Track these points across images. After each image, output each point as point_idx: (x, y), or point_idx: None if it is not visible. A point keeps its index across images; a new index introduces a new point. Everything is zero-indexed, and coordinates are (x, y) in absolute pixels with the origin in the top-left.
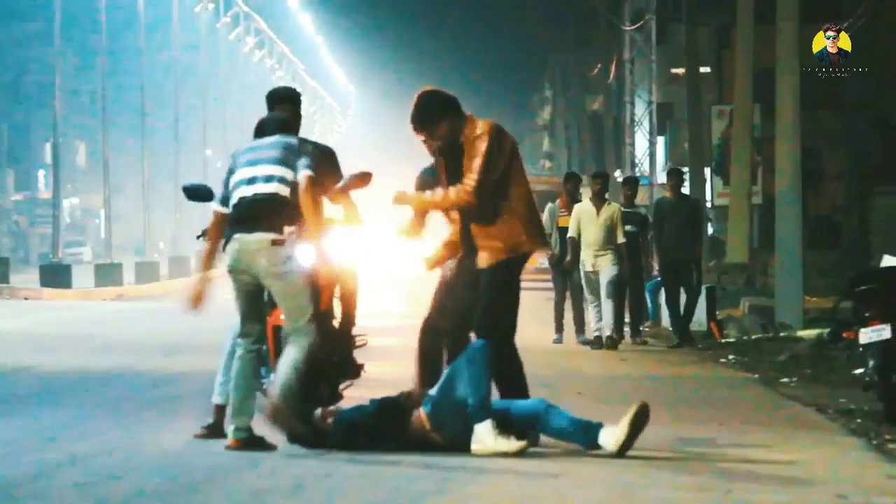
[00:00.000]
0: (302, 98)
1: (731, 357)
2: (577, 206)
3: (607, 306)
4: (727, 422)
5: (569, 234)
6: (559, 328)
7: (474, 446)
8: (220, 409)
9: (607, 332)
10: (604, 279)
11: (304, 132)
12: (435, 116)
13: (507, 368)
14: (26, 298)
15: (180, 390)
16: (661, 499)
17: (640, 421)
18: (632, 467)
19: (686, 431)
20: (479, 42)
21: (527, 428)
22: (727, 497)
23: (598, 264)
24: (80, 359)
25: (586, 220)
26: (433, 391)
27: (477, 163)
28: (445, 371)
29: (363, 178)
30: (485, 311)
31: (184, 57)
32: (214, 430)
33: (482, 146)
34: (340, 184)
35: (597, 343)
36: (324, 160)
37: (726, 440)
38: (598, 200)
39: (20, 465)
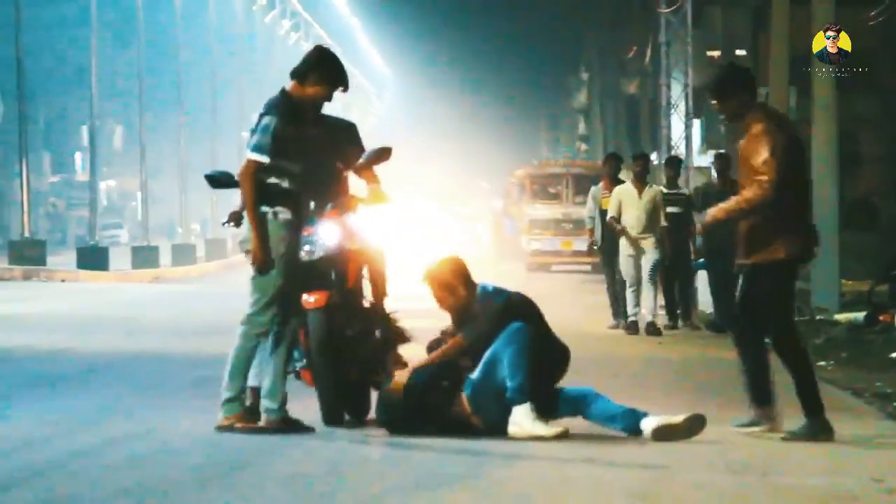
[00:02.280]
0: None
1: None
2: (617, 188)
3: (648, 292)
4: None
5: (609, 216)
6: (616, 313)
7: (511, 429)
8: (255, 392)
9: (649, 317)
10: (646, 264)
11: (340, 115)
12: (729, 90)
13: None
14: (63, 281)
15: (217, 372)
16: (695, 482)
17: (691, 426)
18: (666, 451)
19: (722, 414)
20: (515, 25)
21: (571, 413)
22: (763, 480)
23: (640, 247)
24: (118, 341)
25: (627, 203)
26: (474, 374)
27: (764, 158)
28: (486, 354)
29: (383, 153)
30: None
31: (220, 40)
32: (251, 413)
33: (767, 141)
34: (361, 159)
35: (633, 328)
36: (342, 135)
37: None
38: (640, 182)
39: (59, 447)
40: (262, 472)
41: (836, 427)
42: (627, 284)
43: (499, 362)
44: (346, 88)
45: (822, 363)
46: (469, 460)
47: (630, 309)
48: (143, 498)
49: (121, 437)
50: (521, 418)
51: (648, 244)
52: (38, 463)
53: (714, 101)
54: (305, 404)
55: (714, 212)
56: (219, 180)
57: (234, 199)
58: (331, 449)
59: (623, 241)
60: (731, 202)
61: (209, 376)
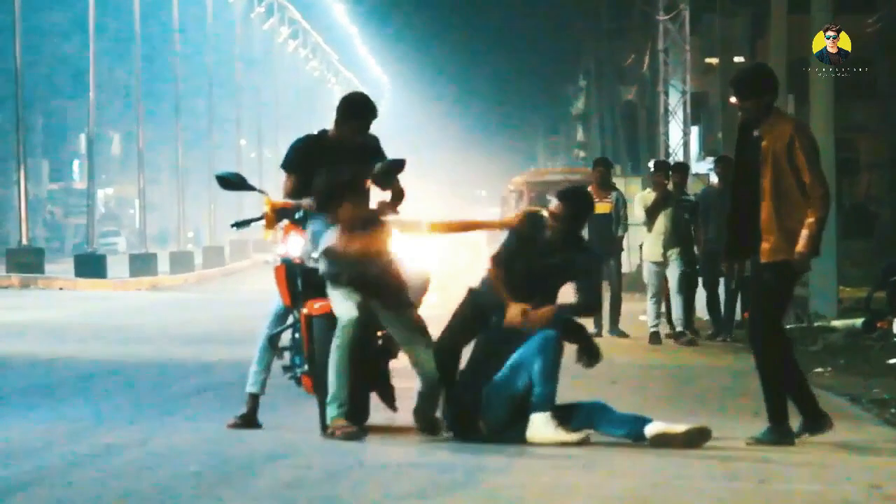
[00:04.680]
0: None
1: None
2: (640, 195)
3: (677, 301)
4: (760, 412)
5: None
6: (597, 320)
7: (530, 433)
8: (253, 399)
9: (679, 326)
10: (673, 273)
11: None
12: (748, 90)
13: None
14: (61, 289)
15: (214, 380)
16: (694, 489)
17: (693, 437)
18: (665, 457)
19: (719, 421)
20: (513, 32)
21: (585, 425)
22: (760, 487)
23: (668, 256)
24: (115, 349)
25: (652, 211)
26: (498, 375)
27: (813, 168)
28: (514, 357)
29: (394, 167)
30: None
31: (218, 48)
32: (248, 420)
33: (808, 152)
34: (374, 171)
35: (655, 338)
36: (370, 151)
37: (759, 430)
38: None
39: (57, 455)
40: (260, 480)
41: (833, 434)
42: (649, 294)
43: (524, 368)
44: (374, 116)
45: (820, 369)
46: (467, 468)
47: (651, 320)
48: None
49: (119, 445)
50: (542, 425)
51: (676, 253)
52: (36, 470)
53: (734, 99)
54: (304, 410)
55: (805, 248)
56: (230, 181)
57: (238, 206)
58: (329, 456)
59: (648, 250)
60: (810, 230)
61: (208, 384)
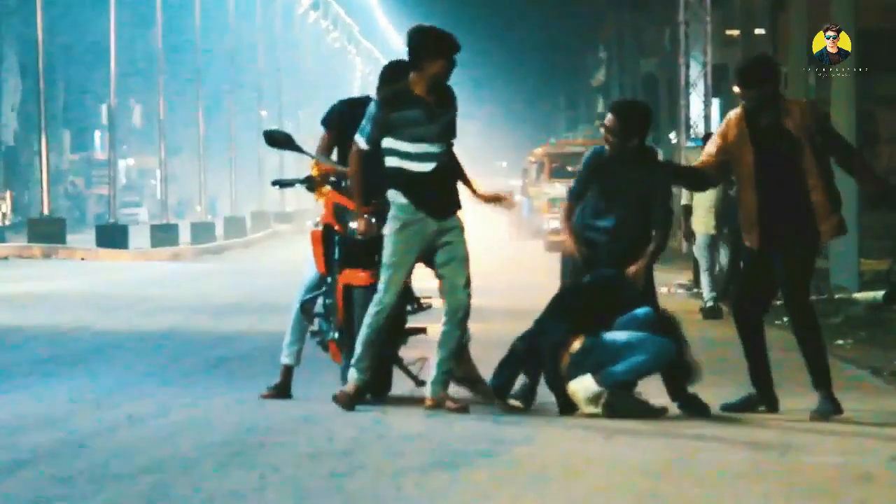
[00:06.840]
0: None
1: (786, 319)
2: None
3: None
4: (782, 384)
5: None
6: None
7: (574, 386)
8: (288, 370)
9: (712, 302)
10: (721, 250)
11: (359, 94)
12: (751, 79)
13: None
14: (83, 259)
15: (236, 351)
16: (715, 460)
17: (691, 406)
18: (686, 428)
19: (741, 393)
20: (534, 3)
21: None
22: (781, 458)
23: (718, 228)
24: (137, 319)
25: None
26: (612, 334)
27: (842, 141)
28: (634, 333)
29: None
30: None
31: (238, 17)
32: (281, 391)
33: (832, 126)
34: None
35: (718, 312)
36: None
37: (781, 402)
38: None
39: (80, 424)
40: (281, 451)
41: (855, 405)
42: (703, 268)
43: (630, 352)
44: (459, 48)
45: (841, 342)
46: (489, 439)
47: (707, 293)
48: (164, 475)
49: (140, 415)
50: (590, 392)
51: (723, 238)
52: (59, 440)
53: (737, 89)
54: (327, 381)
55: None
56: (277, 139)
57: (248, 179)
58: (351, 427)
59: (702, 223)
60: (865, 171)
61: (230, 354)
